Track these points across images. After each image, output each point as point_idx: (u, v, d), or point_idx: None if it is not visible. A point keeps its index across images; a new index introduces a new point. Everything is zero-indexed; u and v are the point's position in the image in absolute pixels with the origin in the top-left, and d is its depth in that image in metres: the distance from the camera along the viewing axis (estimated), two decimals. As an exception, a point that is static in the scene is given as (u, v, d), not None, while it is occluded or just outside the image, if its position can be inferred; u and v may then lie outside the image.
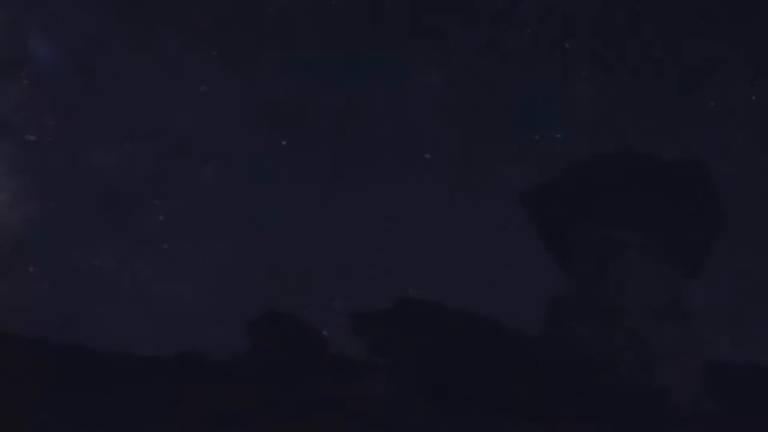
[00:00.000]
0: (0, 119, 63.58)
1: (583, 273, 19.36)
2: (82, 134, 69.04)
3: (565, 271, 21.08)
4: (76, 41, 67.32)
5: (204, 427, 8.11)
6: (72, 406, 8.87)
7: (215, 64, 70.34)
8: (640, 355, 16.87)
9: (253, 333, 29.66)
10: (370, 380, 12.55)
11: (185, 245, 31.50)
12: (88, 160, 70.64)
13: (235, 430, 7.91)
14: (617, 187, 18.99)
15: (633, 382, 15.72)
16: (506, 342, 11.76)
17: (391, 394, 11.13)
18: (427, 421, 9.43)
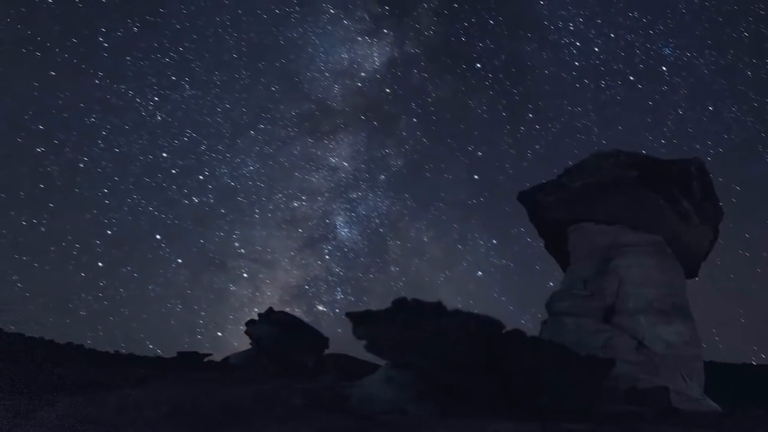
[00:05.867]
0: (297, 288, 65.86)
1: (583, 273, 19.36)
2: (365, 308, 75.33)
3: (566, 271, 21.08)
4: (374, 224, 69.69)
5: (204, 427, 8.11)
6: (72, 405, 8.87)
7: (493, 252, 69.51)
8: (640, 355, 16.88)
9: (253, 333, 29.65)
10: (370, 380, 12.53)
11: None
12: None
13: (235, 430, 7.91)
14: (617, 188, 18.99)
15: (633, 382, 15.73)
16: (506, 342, 11.75)
17: (392, 394, 11.12)
18: (427, 421, 9.42)
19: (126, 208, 62.22)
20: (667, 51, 64.30)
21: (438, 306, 12.41)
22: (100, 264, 58.44)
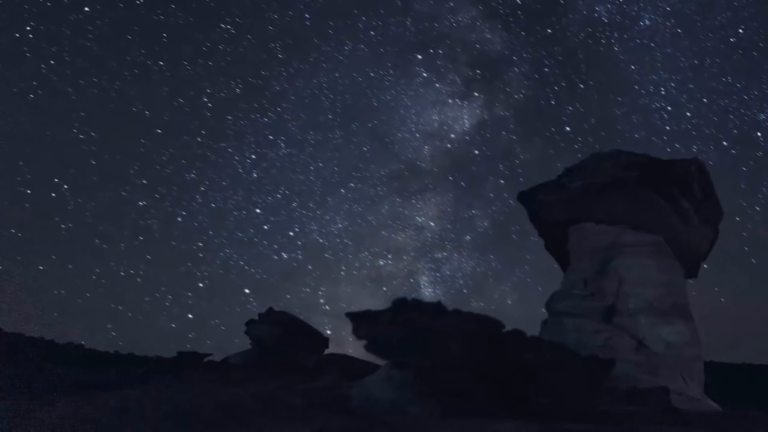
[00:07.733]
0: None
1: (583, 273, 19.36)
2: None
3: (566, 271, 21.08)
4: (458, 285, 68.92)
5: (204, 427, 8.11)
6: (72, 405, 8.87)
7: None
8: (640, 355, 16.87)
9: (253, 333, 29.66)
10: (370, 380, 12.53)
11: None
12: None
13: (235, 430, 7.91)
14: (617, 188, 18.98)
15: (633, 382, 15.72)
16: (506, 342, 11.74)
17: (392, 394, 11.12)
18: (427, 421, 9.42)
19: (218, 262, 63.72)
20: (762, 116, 61.82)
21: (438, 306, 12.41)
22: (190, 316, 59.65)
